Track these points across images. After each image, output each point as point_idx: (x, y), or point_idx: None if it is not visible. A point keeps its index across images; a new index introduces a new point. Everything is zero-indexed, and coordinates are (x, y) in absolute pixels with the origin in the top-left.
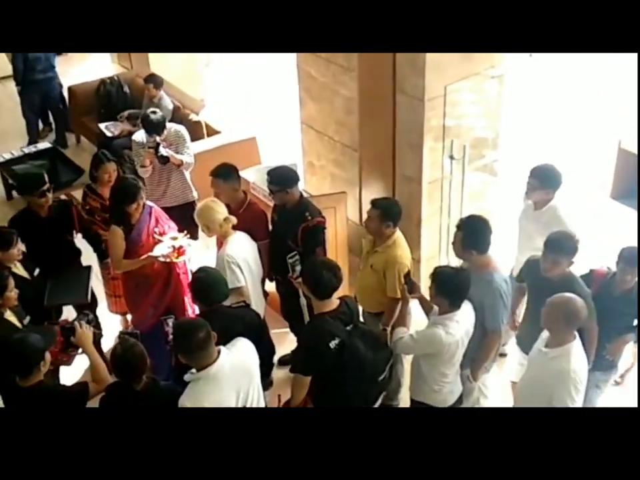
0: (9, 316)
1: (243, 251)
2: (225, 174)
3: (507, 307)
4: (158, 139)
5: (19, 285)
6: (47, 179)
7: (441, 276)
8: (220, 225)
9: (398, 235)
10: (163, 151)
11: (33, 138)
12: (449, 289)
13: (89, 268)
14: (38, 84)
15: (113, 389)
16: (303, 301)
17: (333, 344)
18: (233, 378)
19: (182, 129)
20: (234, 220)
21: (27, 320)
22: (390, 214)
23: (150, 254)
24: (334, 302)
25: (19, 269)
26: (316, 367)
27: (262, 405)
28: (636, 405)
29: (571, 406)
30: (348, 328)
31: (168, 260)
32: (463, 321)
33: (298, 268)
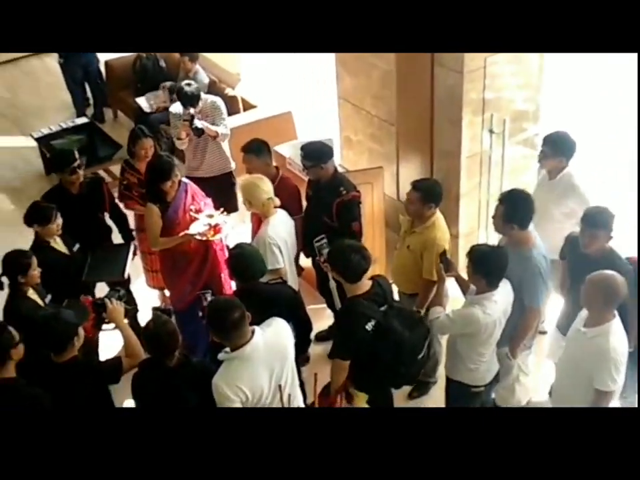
0: (32, 294)
1: (283, 231)
2: (257, 149)
3: (546, 283)
4: (192, 111)
5: (57, 260)
6: (77, 155)
7: (477, 254)
8: (262, 204)
9: (437, 216)
10: (198, 123)
11: (81, 109)
12: (486, 267)
13: (128, 245)
14: (80, 56)
15: (145, 365)
16: (333, 284)
17: (369, 326)
18: (267, 358)
19: (218, 100)
20: (277, 201)
21: (48, 298)
22: (432, 195)
23: (186, 232)
24: (366, 283)
25: (59, 244)
26: (354, 350)
27: (296, 385)
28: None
29: (612, 386)
30: (383, 308)
31: (204, 238)
32: (501, 300)
33: (325, 251)
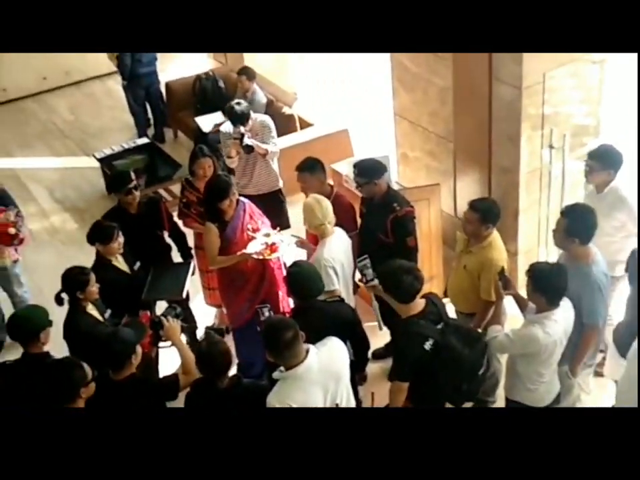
0: (91, 310)
1: (339, 251)
2: (311, 167)
3: (606, 300)
4: (242, 129)
5: (119, 278)
6: (133, 176)
7: (537, 272)
8: (316, 228)
9: (494, 235)
10: (248, 140)
11: (142, 130)
12: (546, 285)
13: (188, 264)
14: (142, 77)
15: (197, 385)
16: (375, 304)
17: (427, 345)
18: (321, 378)
19: (267, 119)
20: (332, 227)
21: (107, 313)
22: (490, 215)
23: (243, 251)
24: (420, 303)
25: (120, 263)
26: (413, 371)
27: (352, 405)
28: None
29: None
30: (439, 327)
31: (261, 257)
32: (562, 319)
33: (368, 272)
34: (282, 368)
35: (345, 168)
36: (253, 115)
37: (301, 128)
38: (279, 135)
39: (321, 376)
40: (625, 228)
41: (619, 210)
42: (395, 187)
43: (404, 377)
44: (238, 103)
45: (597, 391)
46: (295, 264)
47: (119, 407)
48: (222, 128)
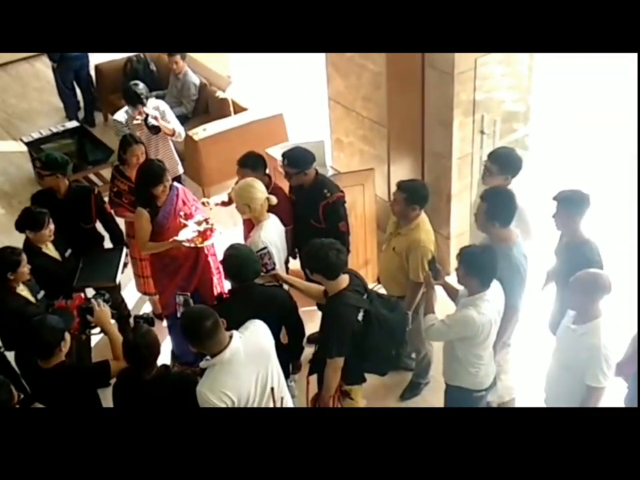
0: (22, 290)
1: (275, 235)
2: (253, 164)
3: (525, 281)
4: (146, 109)
5: (49, 265)
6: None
7: (467, 256)
8: (261, 205)
9: (422, 218)
10: (153, 120)
11: (73, 113)
12: (477, 268)
13: (120, 250)
14: (72, 60)
15: (123, 376)
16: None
17: (360, 316)
18: (249, 361)
19: (160, 102)
20: (274, 200)
21: (41, 294)
22: (417, 197)
23: (175, 238)
24: (345, 277)
25: (51, 250)
26: (350, 344)
27: (284, 385)
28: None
29: (603, 382)
30: (365, 297)
31: (192, 245)
32: (494, 299)
33: (270, 261)
34: (208, 357)
35: (280, 153)
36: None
37: (235, 112)
38: (213, 119)
39: (249, 358)
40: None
41: None
42: (330, 172)
43: (343, 351)
44: (135, 84)
45: (516, 370)
46: (232, 247)
47: (50, 396)
48: (117, 117)
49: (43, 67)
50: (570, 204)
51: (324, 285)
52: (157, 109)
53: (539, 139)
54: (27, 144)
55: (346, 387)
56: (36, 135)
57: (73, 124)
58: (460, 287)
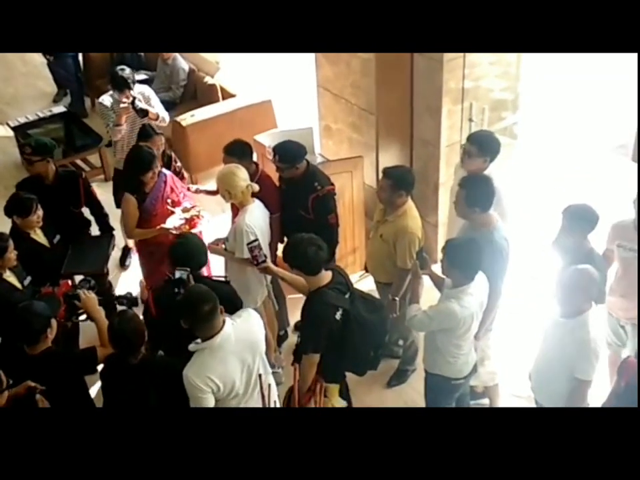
0: (8, 276)
1: (260, 219)
2: (240, 152)
3: (506, 265)
4: (132, 92)
5: (37, 251)
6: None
7: (451, 248)
8: (242, 192)
9: (409, 204)
10: (140, 104)
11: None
12: (461, 261)
13: (109, 237)
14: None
15: (109, 361)
16: (269, 286)
17: (338, 315)
18: (238, 348)
19: (145, 88)
20: (256, 187)
21: (27, 280)
22: (402, 183)
23: (162, 225)
24: (327, 274)
25: (39, 236)
26: (326, 341)
27: (269, 373)
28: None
29: (592, 375)
30: (346, 296)
31: (179, 232)
32: (477, 293)
33: (260, 253)
34: (198, 340)
35: (268, 139)
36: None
37: (223, 98)
38: (201, 105)
39: (238, 346)
40: None
41: None
42: (318, 159)
43: (318, 347)
44: (122, 69)
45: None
46: (182, 236)
47: (37, 382)
48: (102, 100)
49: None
50: (578, 220)
51: (305, 279)
52: (142, 94)
53: (527, 127)
54: (14, 129)
55: (321, 384)
56: (22, 120)
57: (60, 109)
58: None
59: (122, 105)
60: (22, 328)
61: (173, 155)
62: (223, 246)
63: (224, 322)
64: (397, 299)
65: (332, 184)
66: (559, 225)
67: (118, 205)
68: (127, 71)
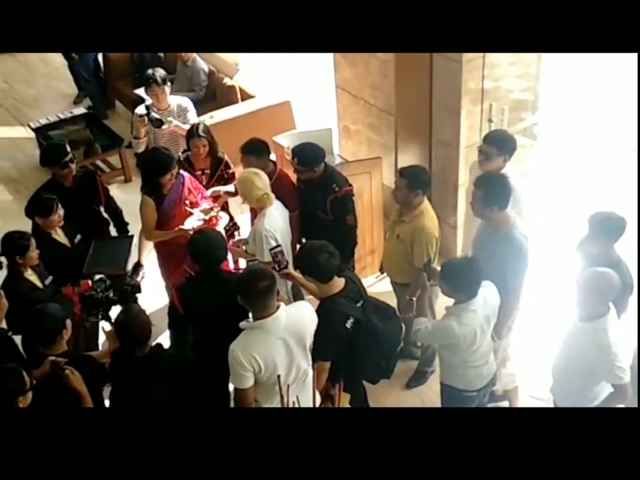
0: (30, 275)
1: (279, 221)
2: (258, 151)
3: (527, 262)
4: (148, 101)
5: (58, 251)
6: (68, 149)
7: (447, 270)
8: (257, 200)
9: (426, 204)
10: (155, 114)
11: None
12: (459, 282)
13: (131, 237)
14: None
15: (116, 353)
16: (289, 290)
17: (349, 324)
18: (286, 335)
19: (184, 100)
20: (272, 197)
21: (48, 280)
22: (418, 182)
23: (181, 227)
24: (339, 282)
25: (59, 236)
26: (336, 350)
27: (309, 367)
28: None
29: (625, 378)
30: (359, 305)
31: None
32: (481, 308)
33: (283, 259)
34: (250, 319)
35: (287, 140)
36: (171, 98)
37: (243, 99)
38: (220, 106)
39: (286, 333)
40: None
41: None
42: (337, 160)
43: (327, 356)
44: (155, 70)
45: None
46: (200, 231)
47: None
48: (137, 110)
49: (50, 53)
50: (604, 229)
51: (318, 287)
52: (179, 106)
53: (547, 128)
54: (34, 130)
55: (333, 391)
56: (43, 121)
57: (81, 110)
58: None
59: (137, 118)
60: (36, 329)
61: (227, 159)
62: (244, 247)
63: (278, 307)
64: (414, 299)
65: (350, 185)
66: (584, 232)
67: None
68: (159, 71)
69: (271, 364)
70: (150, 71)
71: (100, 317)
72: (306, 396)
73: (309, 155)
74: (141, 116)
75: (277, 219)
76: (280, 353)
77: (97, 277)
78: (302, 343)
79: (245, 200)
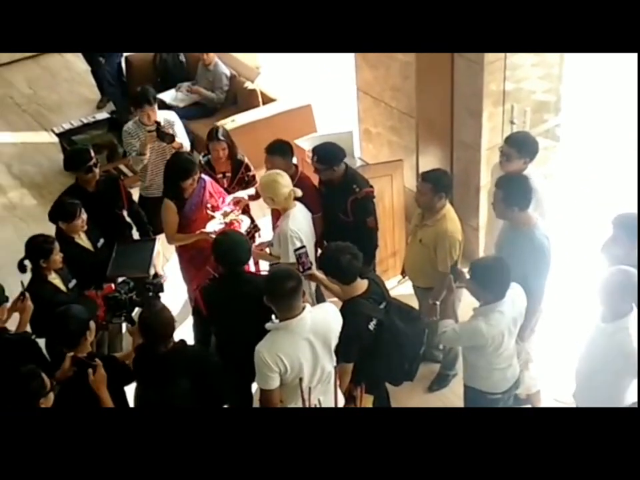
0: (53, 279)
1: (303, 223)
2: (283, 151)
3: (550, 263)
4: (158, 118)
5: (81, 256)
6: (92, 153)
7: (477, 269)
8: (285, 198)
9: (448, 207)
10: (164, 130)
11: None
12: (488, 282)
13: (153, 240)
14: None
15: (139, 350)
16: (313, 294)
17: (371, 325)
18: (311, 336)
19: (170, 114)
20: (298, 192)
21: (72, 283)
22: (441, 185)
23: (202, 230)
24: (362, 283)
25: (83, 240)
26: (358, 352)
27: (332, 369)
28: None
29: None
30: (382, 306)
31: None
32: (509, 309)
33: (307, 260)
34: (276, 320)
35: (308, 144)
36: (159, 113)
37: (264, 103)
38: (241, 110)
39: (312, 334)
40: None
41: None
42: (358, 163)
43: (350, 358)
44: (144, 88)
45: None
46: (224, 233)
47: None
48: (125, 127)
49: (73, 58)
50: (627, 230)
51: (341, 288)
52: (166, 120)
53: (570, 129)
54: (58, 135)
55: (356, 393)
56: (67, 126)
57: (103, 115)
58: None
59: (147, 133)
60: (60, 331)
61: (247, 161)
62: (268, 250)
63: (303, 308)
64: (437, 302)
65: (371, 187)
66: (608, 234)
67: (155, 232)
68: (145, 88)
69: (296, 365)
70: (140, 90)
71: (123, 318)
72: (329, 397)
73: (328, 153)
74: (150, 132)
75: (300, 220)
76: (305, 353)
77: (120, 279)
78: (327, 345)
79: (272, 201)
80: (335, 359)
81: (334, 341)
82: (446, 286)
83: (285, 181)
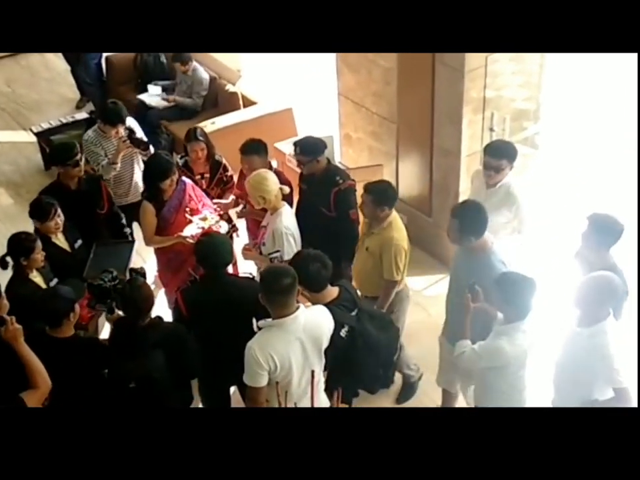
0: (35, 277)
1: (293, 221)
2: (259, 149)
3: None
4: (127, 124)
5: (58, 256)
6: (79, 148)
7: (508, 283)
8: (275, 195)
9: (394, 216)
10: (140, 135)
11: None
12: (517, 297)
13: (131, 242)
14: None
15: (118, 323)
16: None
17: (343, 332)
18: (304, 337)
19: (128, 119)
20: (286, 189)
21: (53, 282)
22: (384, 198)
23: (179, 234)
24: (333, 290)
25: (60, 240)
26: (331, 358)
27: (322, 372)
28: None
29: (624, 382)
30: (353, 313)
31: (196, 241)
32: (531, 329)
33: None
34: (269, 319)
35: (289, 147)
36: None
37: (245, 106)
38: (222, 112)
39: (304, 335)
40: (509, 225)
41: (507, 207)
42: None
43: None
44: (114, 102)
45: None
46: (207, 234)
47: (62, 364)
48: (85, 136)
49: (52, 57)
50: (600, 231)
51: (310, 297)
52: (130, 128)
53: (549, 137)
54: (37, 134)
55: (331, 401)
56: (45, 126)
57: (83, 115)
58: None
59: (120, 140)
60: (46, 309)
61: (224, 162)
62: (257, 250)
63: (298, 307)
64: (384, 310)
65: (353, 179)
66: (582, 233)
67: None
68: (118, 104)
69: (286, 364)
70: (113, 108)
71: (107, 306)
72: (307, 402)
73: (310, 144)
74: (124, 140)
75: (292, 218)
76: (296, 353)
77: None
78: (317, 346)
79: (263, 200)
80: (324, 361)
81: (325, 343)
82: (391, 295)
83: (274, 179)
